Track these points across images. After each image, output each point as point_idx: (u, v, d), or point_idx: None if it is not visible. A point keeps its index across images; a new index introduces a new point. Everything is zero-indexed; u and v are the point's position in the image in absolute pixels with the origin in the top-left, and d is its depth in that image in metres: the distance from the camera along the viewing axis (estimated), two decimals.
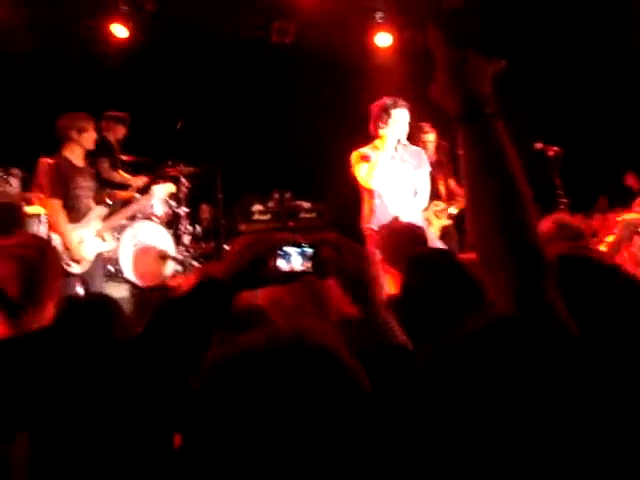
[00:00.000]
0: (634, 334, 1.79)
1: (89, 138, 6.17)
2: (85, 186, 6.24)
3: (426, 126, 7.25)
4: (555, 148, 7.23)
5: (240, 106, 9.16)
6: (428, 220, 6.68)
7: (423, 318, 2.31)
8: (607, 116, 9.18)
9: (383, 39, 9.01)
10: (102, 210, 6.53)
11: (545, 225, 3.77)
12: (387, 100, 5.62)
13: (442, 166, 7.52)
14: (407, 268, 2.50)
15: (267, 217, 9.27)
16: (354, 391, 1.02)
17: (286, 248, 1.66)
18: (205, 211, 9.46)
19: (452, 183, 7.61)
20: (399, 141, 5.65)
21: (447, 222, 7.04)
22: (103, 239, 6.45)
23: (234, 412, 0.98)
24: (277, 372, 1.00)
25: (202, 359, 1.52)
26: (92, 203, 6.39)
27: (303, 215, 9.46)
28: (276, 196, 9.37)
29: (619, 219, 6.12)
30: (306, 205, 9.50)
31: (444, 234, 6.85)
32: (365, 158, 5.69)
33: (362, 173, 5.67)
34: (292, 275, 1.67)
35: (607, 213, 6.11)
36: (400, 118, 5.60)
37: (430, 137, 7.35)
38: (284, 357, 1.02)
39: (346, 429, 0.99)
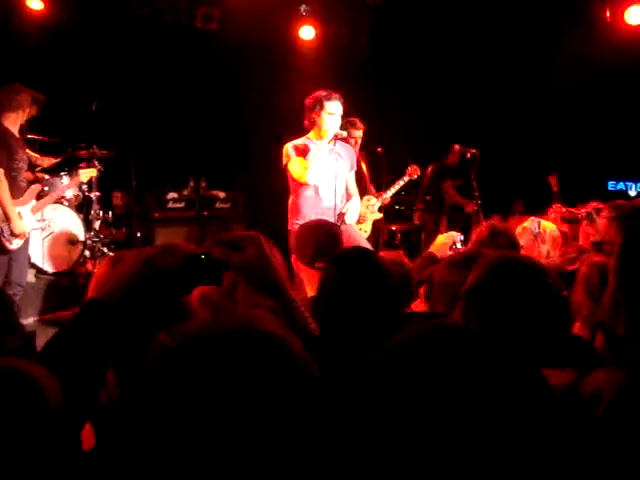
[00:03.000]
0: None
1: (29, 110, 6.00)
2: (24, 159, 6.07)
3: (358, 122, 7.21)
4: (473, 150, 7.36)
5: (159, 91, 8.95)
6: (364, 216, 6.64)
7: (339, 316, 2.29)
8: (528, 121, 9.43)
9: (306, 32, 9.04)
10: (38, 188, 6.49)
11: (478, 231, 3.81)
12: (321, 92, 5.55)
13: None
14: (327, 267, 2.48)
15: (181, 205, 9.14)
16: (302, 377, 1.04)
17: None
18: (118, 197, 9.20)
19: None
20: (336, 135, 5.58)
21: (379, 216, 7.01)
22: (36, 217, 6.39)
23: (184, 396, 0.98)
24: (227, 357, 1.00)
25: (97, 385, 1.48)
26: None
27: (218, 205, 9.37)
28: (191, 184, 9.25)
29: (518, 229, 6.24)
30: (221, 195, 9.41)
31: (374, 229, 6.85)
32: (299, 150, 5.54)
33: (295, 166, 5.51)
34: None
35: (523, 216, 6.25)
36: (333, 110, 5.53)
37: (360, 133, 7.31)
38: (235, 342, 1.02)
39: (294, 414, 1.01)
